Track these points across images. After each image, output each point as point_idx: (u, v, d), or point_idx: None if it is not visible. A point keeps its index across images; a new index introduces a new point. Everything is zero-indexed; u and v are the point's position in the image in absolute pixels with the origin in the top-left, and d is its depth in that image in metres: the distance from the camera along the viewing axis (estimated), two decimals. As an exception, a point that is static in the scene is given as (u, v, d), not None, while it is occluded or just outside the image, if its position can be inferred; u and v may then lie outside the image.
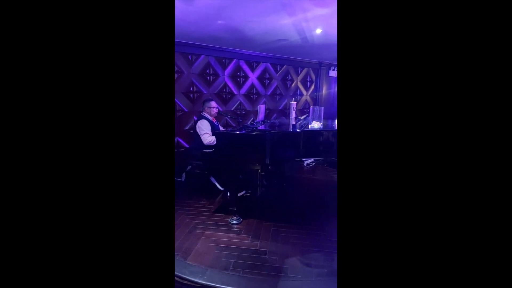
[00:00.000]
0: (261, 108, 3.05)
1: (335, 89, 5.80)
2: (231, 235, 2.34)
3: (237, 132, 2.46)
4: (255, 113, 4.55)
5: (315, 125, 2.60)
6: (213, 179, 3.33)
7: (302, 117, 3.23)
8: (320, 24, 2.69)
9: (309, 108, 3.06)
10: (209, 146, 2.97)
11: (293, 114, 3.25)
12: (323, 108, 2.67)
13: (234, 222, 2.53)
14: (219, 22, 2.67)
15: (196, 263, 1.92)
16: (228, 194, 2.97)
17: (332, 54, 4.42)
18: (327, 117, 5.35)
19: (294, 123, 3.06)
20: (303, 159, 4.86)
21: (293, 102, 3.33)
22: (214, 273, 1.82)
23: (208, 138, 2.97)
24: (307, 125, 2.72)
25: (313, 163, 4.87)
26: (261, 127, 2.77)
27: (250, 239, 2.28)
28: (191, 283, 1.73)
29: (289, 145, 2.44)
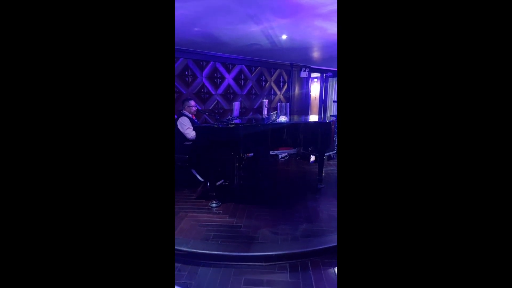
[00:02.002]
0: (236, 105, 3.41)
1: (307, 88, 6.28)
2: (211, 215, 2.68)
3: (215, 126, 2.81)
4: (232, 111, 4.90)
5: (282, 119, 3.00)
6: (194, 171, 3.63)
7: (273, 113, 3.63)
8: (284, 31, 3.10)
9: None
10: (188, 140, 3.28)
11: (265, 111, 3.63)
12: (288, 104, 3.09)
13: (214, 205, 2.87)
14: (196, 29, 3.01)
15: (181, 236, 2.24)
16: (208, 184, 3.30)
17: (301, 56, 4.86)
18: (301, 113, 5.83)
19: (266, 117, 3.44)
20: (278, 153, 5.27)
21: (265, 100, 3.71)
22: (197, 242, 2.15)
23: (191, 132, 3.28)
24: (276, 119, 3.11)
25: (287, 157, 5.30)
26: (237, 121, 3.12)
27: (227, 217, 2.63)
28: (178, 251, 2.05)
29: (260, 135, 2.82)
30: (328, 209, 2.83)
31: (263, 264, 2.00)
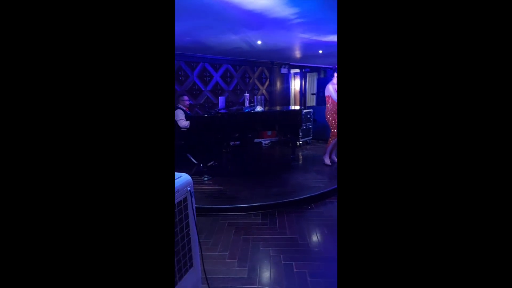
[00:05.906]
0: (221, 99, 4.14)
1: (287, 83, 7.03)
2: (203, 185, 3.43)
3: (205, 115, 3.55)
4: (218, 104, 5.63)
5: (258, 108, 3.76)
6: (189, 155, 4.36)
7: (251, 105, 4.37)
8: (259, 38, 3.83)
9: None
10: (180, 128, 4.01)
11: (246, 103, 4.37)
12: (263, 97, 3.84)
13: (206, 179, 3.62)
14: (187, 38, 3.72)
15: (181, 198, 2.99)
16: (201, 165, 4.03)
17: (279, 55, 5.59)
18: (282, 105, 6.58)
19: (245, 107, 4.20)
20: (262, 141, 6.03)
21: (246, 94, 4.45)
22: (193, 201, 2.90)
23: (183, 122, 4.00)
24: (254, 109, 3.87)
25: (269, 144, 6.06)
26: (223, 111, 3.87)
27: (216, 186, 3.39)
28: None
29: (241, 121, 3.57)
30: (297, 178, 3.61)
31: (241, 213, 2.76)
